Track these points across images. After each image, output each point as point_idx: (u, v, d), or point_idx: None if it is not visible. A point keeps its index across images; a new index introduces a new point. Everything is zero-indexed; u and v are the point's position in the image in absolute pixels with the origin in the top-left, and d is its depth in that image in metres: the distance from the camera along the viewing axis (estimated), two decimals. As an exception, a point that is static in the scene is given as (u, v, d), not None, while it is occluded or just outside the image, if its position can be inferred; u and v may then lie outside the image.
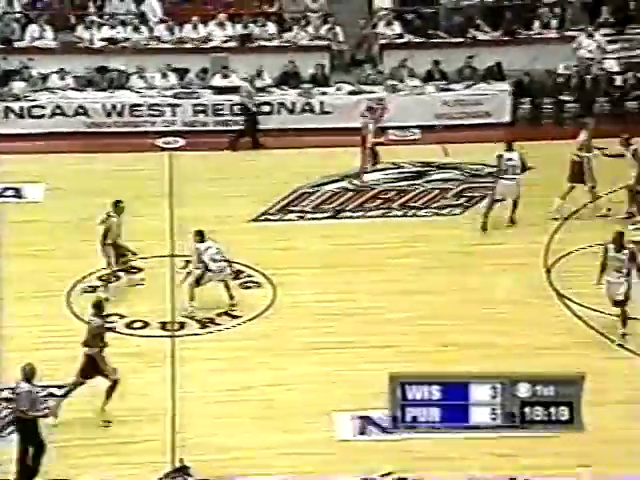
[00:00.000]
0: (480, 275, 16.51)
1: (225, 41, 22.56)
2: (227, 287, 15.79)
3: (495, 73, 21.76)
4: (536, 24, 22.49)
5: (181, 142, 21.06)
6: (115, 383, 13.37)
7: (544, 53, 21.72)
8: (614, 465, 12.38)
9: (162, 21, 22.61)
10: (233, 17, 22.81)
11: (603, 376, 13.96)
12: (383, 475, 12.44)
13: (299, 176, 19.61)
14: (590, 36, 21.76)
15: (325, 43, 22.53)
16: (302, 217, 18.58)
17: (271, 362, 14.61)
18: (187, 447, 13.00)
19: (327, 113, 21.34)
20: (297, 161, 20.33)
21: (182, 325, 15.54)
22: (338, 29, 22.62)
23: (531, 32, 22.44)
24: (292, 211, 18.71)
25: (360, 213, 18.64)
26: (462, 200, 18.91)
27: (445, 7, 22.94)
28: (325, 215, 18.61)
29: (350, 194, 19.18)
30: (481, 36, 22.45)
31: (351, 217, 18.50)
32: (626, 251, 14.78)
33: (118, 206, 16.11)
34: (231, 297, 15.77)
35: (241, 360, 14.64)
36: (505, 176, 17.56)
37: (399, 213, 18.62)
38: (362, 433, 13.44)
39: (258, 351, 14.84)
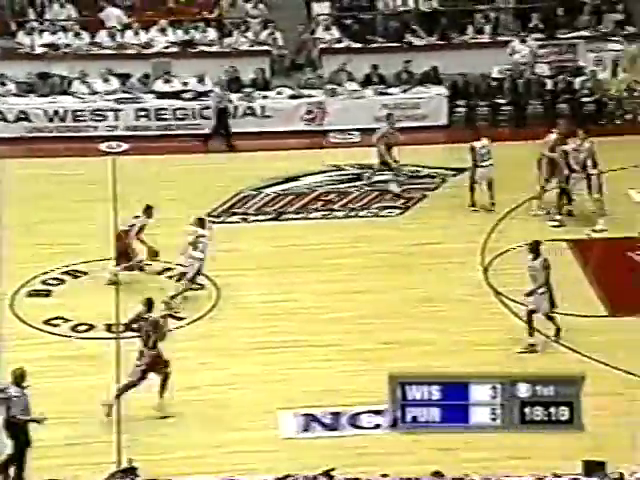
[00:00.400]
0: (420, 274, 16.60)
1: (166, 47, 22.43)
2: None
3: (431, 77, 21.91)
4: (470, 29, 22.68)
5: (124, 146, 20.90)
6: (132, 384, 13.31)
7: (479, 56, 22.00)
8: (549, 458, 12.46)
9: (127, 26, 22.36)
10: (174, 23, 22.70)
11: (539, 371, 14.15)
12: (326, 471, 12.43)
13: (241, 179, 19.57)
14: (523, 41, 22.00)
15: (265, 48, 22.51)
16: (245, 219, 18.54)
17: (215, 362, 14.54)
18: (133, 448, 12.89)
19: (268, 117, 21.32)
20: (239, 164, 20.28)
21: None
22: (278, 34, 22.61)
23: (465, 37, 22.63)
24: (235, 213, 18.65)
25: (302, 215, 18.64)
26: (401, 201, 19.00)
27: (382, 13, 23.04)
28: (268, 217, 18.58)
29: (292, 196, 19.18)
30: (417, 41, 22.58)
31: (293, 219, 18.50)
32: (540, 260, 14.74)
33: (149, 209, 16.34)
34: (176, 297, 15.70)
35: (186, 361, 14.53)
36: (482, 164, 18.07)
37: (340, 214, 18.66)
38: (305, 430, 13.44)
39: (202, 351, 14.76)
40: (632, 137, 20.63)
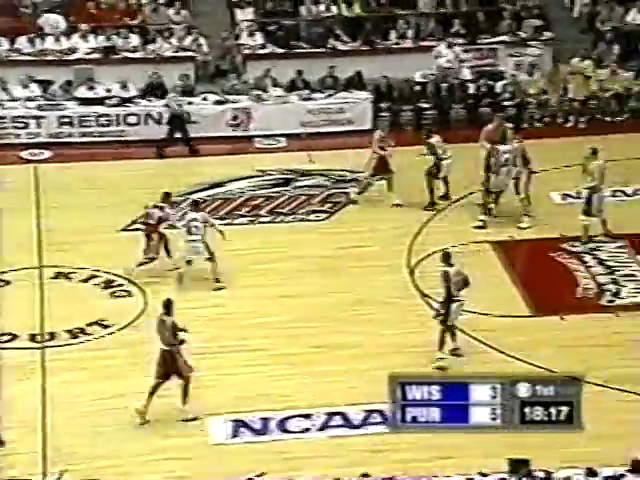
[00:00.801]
0: (348, 277, 16.64)
1: (88, 53, 22.20)
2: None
3: (355, 82, 22.00)
4: (393, 35, 22.82)
5: (47, 154, 20.62)
6: (188, 380, 13.30)
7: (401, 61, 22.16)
8: (474, 457, 12.52)
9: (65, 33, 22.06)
10: (95, 29, 22.46)
11: (465, 371, 14.32)
12: (257, 476, 12.41)
13: (168, 185, 19.37)
14: (450, 46, 22.20)
15: (189, 54, 22.39)
16: (172, 226, 18.38)
17: (143, 370, 14.37)
18: (60, 457, 12.70)
19: (194, 123, 21.19)
20: (165, 170, 20.14)
21: (52, 336, 15.19)
22: (202, 40, 22.51)
23: (388, 42, 22.77)
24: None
25: (229, 220, 18.57)
26: (327, 206, 19.04)
27: (305, 19, 23.07)
28: (194, 223, 18.52)
29: (218, 202, 19.09)
30: (341, 46, 22.66)
31: (220, 224, 18.39)
32: (441, 271, 14.54)
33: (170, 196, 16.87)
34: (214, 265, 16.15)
35: (113, 369, 14.39)
36: (444, 156, 18.29)
37: (267, 219, 18.63)
38: (235, 436, 13.37)
39: (130, 359, 14.61)
40: (552, 140, 20.95)
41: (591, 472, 11.75)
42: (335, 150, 20.77)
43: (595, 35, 22.84)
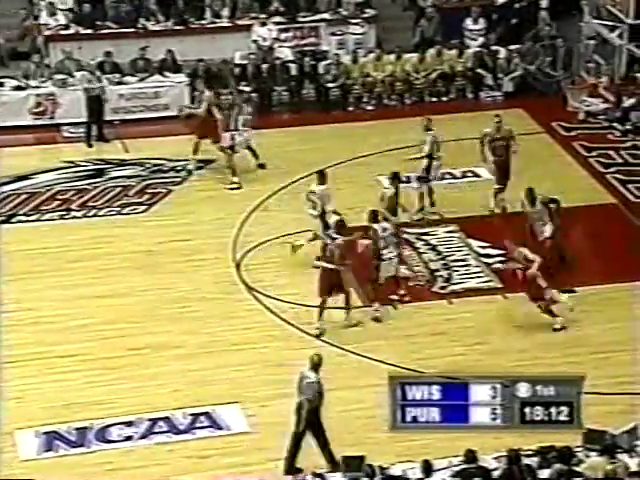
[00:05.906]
0: (170, 274, 16.45)
1: None
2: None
3: (169, 64, 21.74)
4: (208, 13, 22.64)
5: None
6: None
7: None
8: (307, 454, 12.61)
9: None
10: None
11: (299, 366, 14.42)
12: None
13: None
14: (264, 24, 22.20)
15: (-20, 35, 21.68)
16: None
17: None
18: None
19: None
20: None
21: None
22: (-3, 20, 21.81)
23: (203, 21, 22.56)
24: (-40, 218, 17.94)
25: (37, 216, 18.07)
26: (145, 197, 18.79)
27: (112, -4, 22.60)
28: (-4, 221, 17.98)
29: (24, 197, 18.58)
30: (152, 26, 22.33)
31: (27, 220, 17.90)
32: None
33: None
34: None
35: None
36: None
37: (79, 214, 18.22)
38: (48, 450, 13.03)
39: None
40: (379, 122, 21.25)
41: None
42: (151, 138, 20.51)
43: (417, 12, 23.27)
